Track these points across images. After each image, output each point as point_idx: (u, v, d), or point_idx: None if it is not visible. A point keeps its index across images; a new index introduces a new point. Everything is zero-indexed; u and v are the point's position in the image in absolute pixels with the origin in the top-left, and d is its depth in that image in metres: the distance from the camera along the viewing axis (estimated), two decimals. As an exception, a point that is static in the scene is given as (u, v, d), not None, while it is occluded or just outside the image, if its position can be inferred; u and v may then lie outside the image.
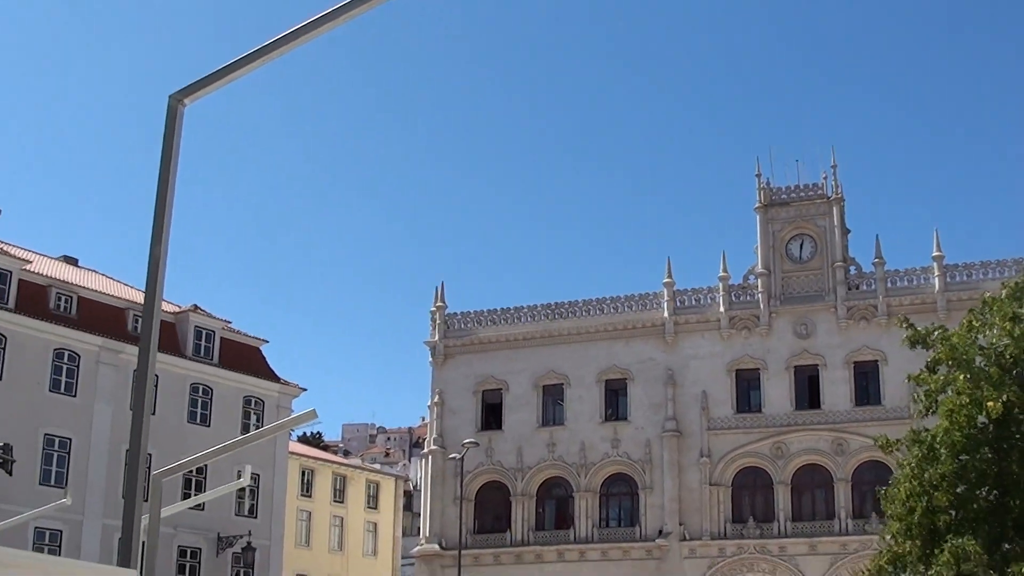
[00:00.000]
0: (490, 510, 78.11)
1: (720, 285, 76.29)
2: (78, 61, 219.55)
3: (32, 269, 61.68)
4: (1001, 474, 30.97)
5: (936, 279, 72.87)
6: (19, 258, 60.86)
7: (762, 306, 75.07)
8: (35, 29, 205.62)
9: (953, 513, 30.87)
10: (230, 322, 70.66)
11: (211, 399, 66.98)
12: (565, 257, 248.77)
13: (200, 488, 59.53)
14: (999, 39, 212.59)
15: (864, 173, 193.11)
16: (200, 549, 64.83)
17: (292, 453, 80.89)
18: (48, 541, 56.71)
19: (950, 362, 32.11)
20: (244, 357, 70.06)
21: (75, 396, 60.68)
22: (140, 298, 52.94)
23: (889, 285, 73.90)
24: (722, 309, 75.66)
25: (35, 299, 60.43)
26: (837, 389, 73.21)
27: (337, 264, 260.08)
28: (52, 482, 57.95)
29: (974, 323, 32.55)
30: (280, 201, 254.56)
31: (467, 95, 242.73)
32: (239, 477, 32.47)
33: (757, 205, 77.09)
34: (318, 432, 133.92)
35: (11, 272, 59.30)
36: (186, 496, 55.45)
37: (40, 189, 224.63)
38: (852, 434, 71.90)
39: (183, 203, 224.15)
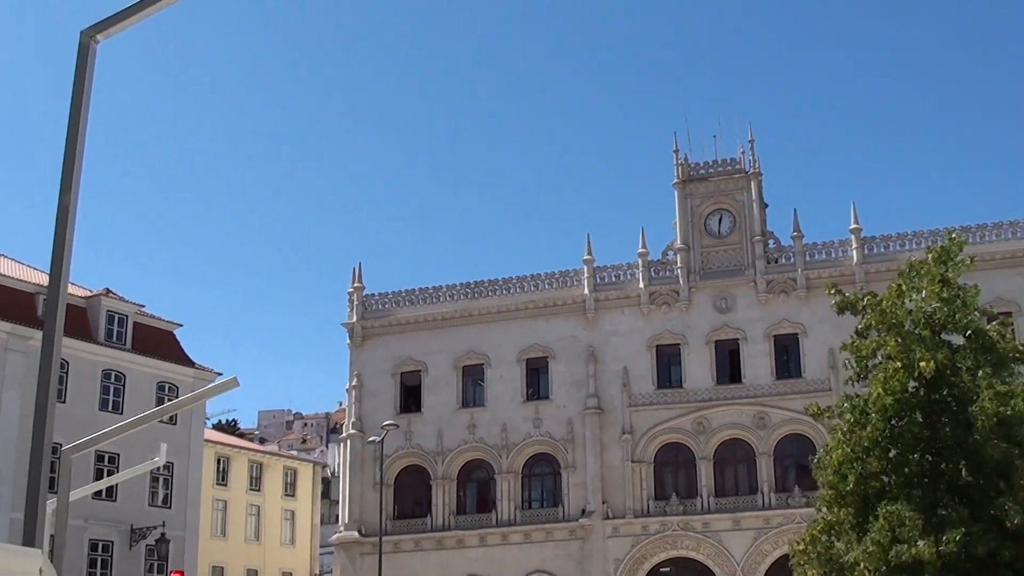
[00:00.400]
0: (410, 495, 77.11)
1: (640, 261, 75.85)
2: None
3: (-65, 254, 59.82)
4: (933, 438, 30.68)
5: (854, 251, 72.97)
6: (-80, 244, 58.91)
7: (682, 281, 74.73)
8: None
9: (886, 479, 30.54)
10: (143, 306, 69.15)
11: (123, 385, 65.44)
12: (484, 236, 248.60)
13: (113, 478, 57.95)
14: (914, 9, 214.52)
15: (782, 148, 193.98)
16: (112, 542, 63.28)
17: (207, 441, 79.47)
18: (-47, 534, 54.93)
19: (880, 327, 31.81)
20: (158, 342, 68.60)
21: (-18, 384, 58.95)
22: (47, 281, 51.14)
23: (808, 258, 73.90)
24: (642, 285, 75.22)
25: (-61, 285, 58.62)
26: (758, 363, 73.07)
27: (252, 246, 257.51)
28: (-42, 473, 56.22)
29: (903, 287, 32.23)
30: (195, 180, 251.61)
31: (384, 68, 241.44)
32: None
33: (675, 181, 76.71)
34: (234, 420, 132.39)
35: (-88, 257, 57.45)
36: (98, 491, 53.84)
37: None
38: (773, 407, 71.83)
39: (95, 180, 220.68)
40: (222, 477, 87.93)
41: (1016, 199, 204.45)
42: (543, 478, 75.70)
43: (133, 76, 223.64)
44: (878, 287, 41.26)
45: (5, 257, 68.88)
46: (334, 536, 77.97)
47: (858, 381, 32.86)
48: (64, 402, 58.36)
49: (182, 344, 70.67)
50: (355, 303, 79.46)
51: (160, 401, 65.30)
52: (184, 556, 66.47)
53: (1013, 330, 32.43)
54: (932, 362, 29.83)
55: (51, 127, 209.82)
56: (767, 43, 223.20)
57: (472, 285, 78.69)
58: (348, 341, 79.10)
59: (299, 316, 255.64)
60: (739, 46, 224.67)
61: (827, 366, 71.22)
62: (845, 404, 32.03)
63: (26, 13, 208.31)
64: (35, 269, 67.33)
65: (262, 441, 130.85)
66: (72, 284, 52.60)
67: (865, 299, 33.05)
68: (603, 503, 72.37)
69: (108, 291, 67.45)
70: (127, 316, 67.19)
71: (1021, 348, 31.78)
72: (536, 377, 76.71)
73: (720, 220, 76.04)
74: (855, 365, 32.76)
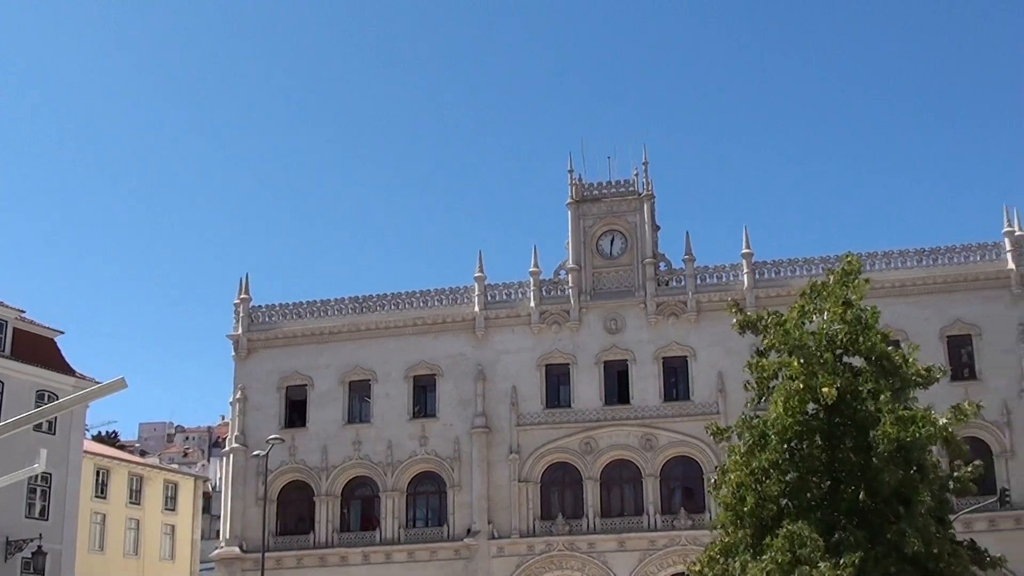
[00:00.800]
0: (293, 511, 75.93)
1: (531, 280, 75.54)
2: None
3: None
4: (833, 461, 30.59)
5: (745, 276, 73.35)
6: None
7: (572, 301, 74.61)
8: None
9: (784, 501, 30.38)
10: (23, 311, 67.44)
11: (1, 393, 63.78)
12: (375, 250, 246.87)
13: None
14: (808, 37, 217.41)
15: (676, 171, 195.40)
16: (-14, 554, 61.58)
17: (86, 452, 77.71)
18: None
19: (782, 347, 31.69)
20: (38, 349, 66.95)
21: None
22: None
23: (699, 282, 74.19)
24: (532, 304, 74.94)
25: None
26: (646, 385, 73.13)
27: (138, 253, 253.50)
28: None
29: (806, 308, 32.14)
30: (80, 184, 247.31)
31: (273, 79, 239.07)
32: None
33: (569, 200, 76.63)
34: (114, 431, 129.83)
35: None
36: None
37: None
38: (661, 429, 71.93)
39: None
40: (101, 489, 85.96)
41: (904, 228, 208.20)
42: (428, 497, 74.98)
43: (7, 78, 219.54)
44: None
45: None
46: (215, 552, 76.49)
47: (758, 402, 32.69)
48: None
49: (63, 352, 69.04)
50: (241, 315, 78.16)
51: (39, 411, 63.52)
52: (61, 570, 64.91)
53: (916, 358, 32.33)
54: (834, 388, 29.74)
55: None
56: (664, 66, 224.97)
57: (360, 300, 77.79)
58: (233, 353, 77.78)
59: (183, 327, 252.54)
60: (636, 68, 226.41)
61: (716, 389, 71.55)
62: (744, 425, 31.83)
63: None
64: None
65: (143, 454, 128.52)
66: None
67: (769, 319, 32.83)
68: (489, 523, 71.85)
69: (-14, 296, 65.77)
70: (6, 321, 65.52)
71: (924, 373, 31.81)
72: (423, 394, 75.98)
73: (612, 241, 76.05)
74: (756, 386, 32.58)
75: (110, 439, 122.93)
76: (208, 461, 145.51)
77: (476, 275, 76.18)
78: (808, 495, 30.31)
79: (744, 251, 73.95)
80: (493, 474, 72.77)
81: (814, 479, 30.50)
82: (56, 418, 63.17)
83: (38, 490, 64.37)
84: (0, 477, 53.18)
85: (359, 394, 76.50)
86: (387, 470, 74.04)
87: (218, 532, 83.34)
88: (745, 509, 30.59)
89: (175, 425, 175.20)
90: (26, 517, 63.81)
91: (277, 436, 65.26)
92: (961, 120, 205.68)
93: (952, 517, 33.41)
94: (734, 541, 31.25)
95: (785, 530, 29.32)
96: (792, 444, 30.49)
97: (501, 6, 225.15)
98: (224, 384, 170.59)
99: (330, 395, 76.16)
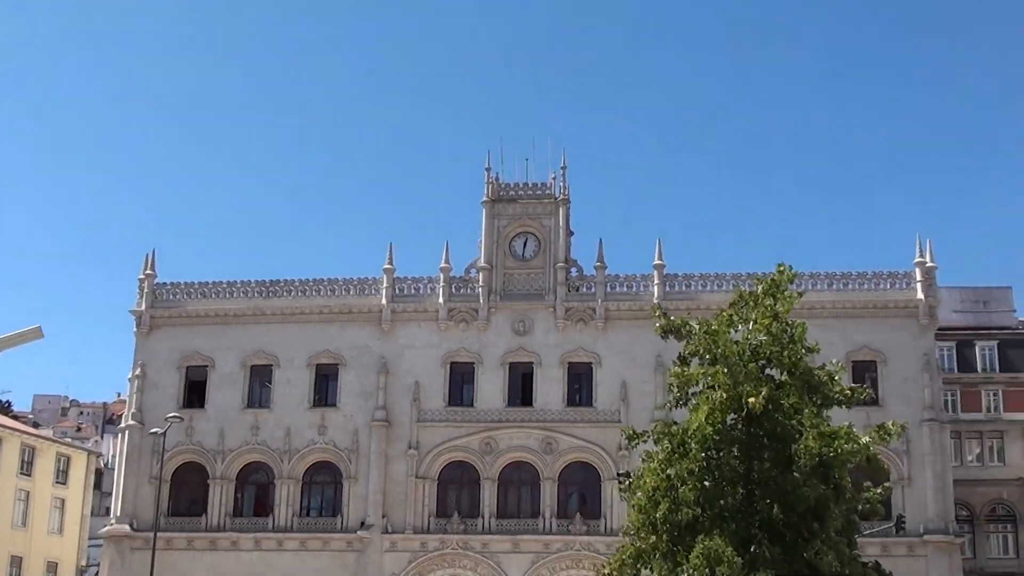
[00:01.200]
0: (186, 492, 75.06)
1: (441, 276, 75.33)
2: None
3: None
4: (749, 473, 30.53)
5: (655, 287, 73.66)
6: None
7: (481, 300, 74.55)
8: None
9: (699, 510, 30.26)
10: (-83, 275, 66.07)
11: None
12: (286, 235, 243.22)
13: None
14: (725, 49, 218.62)
15: (593, 178, 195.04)
16: None
17: (-23, 420, 76.30)
18: None
19: (706, 355, 31.54)
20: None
21: None
22: None
23: (609, 290, 74.40)
24: (441, 300, 74.75)
25: None
26: (550, 388, 73.25)
27: (39, 221, 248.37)
28: None
29: (735, 317, 32.01)
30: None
31: (189, 59, 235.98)
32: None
33: (484, 199, 76.55)
34: (7, 401, 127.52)
35: None
36: None
37: None
38: (562, 434, 72.16)
39: None
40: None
41: (819, 252, 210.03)
42: (324, 487, 74.54)
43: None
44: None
45: None
46: (104, 528, 75.40)
47: (676, 407, 32.59)
48: None
49: (-42, 318, 67.75)
50: (145, 291, 77.08)
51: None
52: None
53: (840, 376, 32.44)
54: (761, 398, 29.67)
55: None
56: (589, 71, 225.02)
57: (267, 284, 77.09)
58: (135, 329, 76.63)
59: (84, 300, 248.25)
60: (560, 71, 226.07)
61: (619, 398, 71.89)
62: (663, 431, 31.66)
63: None
64: None
65: (36, 426, 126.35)
66: None
67: (699, 326, 32.58)
68: (383, 517, 71.60)
69: None
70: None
71: (848, 392, 31.90)
72: (325, 384, 75.50)
73: (525, 243, 76.11)
74: (676, 391, 32.42)
75: (3, 408, 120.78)
76: (102, 437, 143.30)
77: (385, 267, 75.80)
78: (723, 503, 30.21)
79: (656, 262, 74.22)
80: (391, 468, 72.51)
81: (728, 488, 30.41)
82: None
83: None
84: None
85: (260, 379, 75.83)
86: (284, 457, 73.50)
87: (108, 509, 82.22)
88: (658, 515, 30.42)
89: (70, 399, 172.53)
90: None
91: (176, 415, 64.47)
92: (881, 147, 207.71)
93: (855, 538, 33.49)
94: (646, 547, 31.10)
95: (702, 546, 29.20)
96: (709, 453, 30.39)
97: None
98: (123, 361, 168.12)
99: (231, 378, 75.41)
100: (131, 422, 74.96)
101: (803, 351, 31.58)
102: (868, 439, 30.87)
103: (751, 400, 29.59)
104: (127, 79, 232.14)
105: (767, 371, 31.38)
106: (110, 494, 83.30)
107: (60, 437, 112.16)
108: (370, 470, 72.46)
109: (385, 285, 75.51)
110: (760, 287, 32.52)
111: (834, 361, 33.66)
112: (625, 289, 74.66)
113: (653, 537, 30.79)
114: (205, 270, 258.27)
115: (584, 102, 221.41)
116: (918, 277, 72.53)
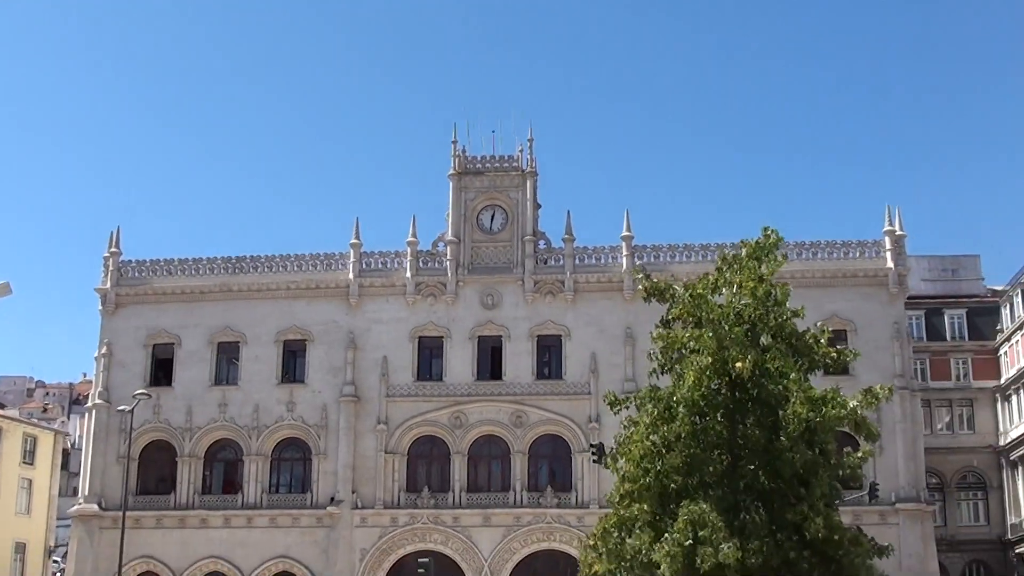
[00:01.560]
0: (154, 471, 74.46)
1: (408, 250, 74.92)
2: None
3: None
4: (734, 438, 30.26)
5: (624, 258, 73.45)
6: None
7: (449, 274, 74.16)
8: None
9: (686, 476, 29.98)
10: None
11: None
12: (251, 211, 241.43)
13: None
14: (692, 20, 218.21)
15: (560, 150, 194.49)
16: None
17: (-59, 401, 75.51)
18: None
19: (689, 319, 31.21)
20: None
21: None
22: None
23: (577, 262, 74.14)
24: (409, 274, 74.32)
25: None
26: (519, 361, 73.00)
27: (0, 200, 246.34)
28: None
29: (719, 281, 31.68)
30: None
31: (151, 33, 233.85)
32: None
33: (451, 172, 76.10)
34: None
35: None
36: None
37: None
38: (532, 407, 71.91)
39: None
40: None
41: (789, 221, 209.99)
42: (293, 463, 74.10)
43: None
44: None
45: None
46: (73, 508, 74.84)
47: (662, 373, 32.25)
48: None
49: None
50: (111, 268, 76.40)
51: None
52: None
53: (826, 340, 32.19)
54: (748, 363, 29.40)
55: None
56: (556, 43, 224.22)
57: (233, 260, 76.45)
58: (100, 307, 75.99)
59: (49, 280, 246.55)
60: (528, 42, 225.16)
61: (588, 370, 71.69)
62: (649, 396, 31.30)
63: None
64: None
65: (1, 407, 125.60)
66: None
67: (684, 288, 32.18)
68: (353, 492, 71.23)
69: None
70: None
71: (835, 356, 31.65)
72: (293, 360, 74.96)
73: (493, 216, 75.75)
74: (660, 356, 32.06)
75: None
76: (68, 418, 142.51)
77: (352, 241, 75.35)
78: (710, 470, 29.94)
79: (624, 234, 74.02)
80: (360, 444, 72.15)
81: (713, 454, 30.13)
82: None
83: None
84: None
85: (227, 356, 75.27)
86: (252, 434, 73.04)
87: (76, 489, 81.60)
88: (646, 481, 30.09)
89: (35, 380, 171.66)
90: None
91: (143, 392, 63.89)
92: (851, 113, 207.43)
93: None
94: (631, 515, 30.79)
95: (687, 510, 28.95)
96: (696, 418, 30.08)
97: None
98: (89, 340, 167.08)
99: (198, 355, 74.83)
100: (98, 401, 74.33)
101: (788, 313, 31.33)
102: (856, 403, 30.61)
103: (738, 365, 29.35)
104: (90, 54, 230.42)
105: (752, 335, 31.07)
106: (78, 474, 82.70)
107: (27, 418, 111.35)
108: (339, 446, 72.06)
109: (352, 260, 75.03)
110: (745, 250, 32.26)
111: (818, 324, 33.41)
112: (594, 261, 74.42)
113: (636, 505, 30.49)
114: (170, 247, 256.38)
115: (551, 74, 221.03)
116: (887, 246, 72.59)
